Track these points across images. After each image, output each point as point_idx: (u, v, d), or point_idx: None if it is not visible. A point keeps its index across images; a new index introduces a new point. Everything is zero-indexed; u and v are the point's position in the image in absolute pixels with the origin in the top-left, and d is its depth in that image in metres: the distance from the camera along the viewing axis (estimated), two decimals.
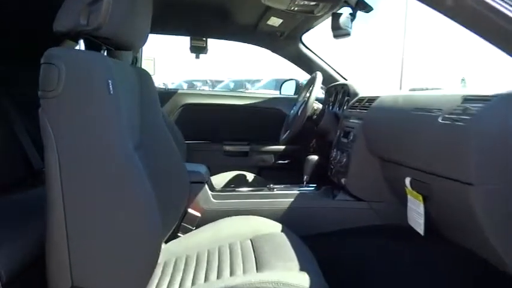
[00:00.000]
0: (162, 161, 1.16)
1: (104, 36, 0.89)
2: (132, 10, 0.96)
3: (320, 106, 1.82)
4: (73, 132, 0.79)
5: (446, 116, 0.93)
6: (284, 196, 1.48)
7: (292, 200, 1.47)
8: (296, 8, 1.54)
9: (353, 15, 1.49)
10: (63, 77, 0.78)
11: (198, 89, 11.86)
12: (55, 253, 0.81)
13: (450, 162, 0.90)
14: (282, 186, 1.57)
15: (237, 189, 1.53)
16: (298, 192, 1.50)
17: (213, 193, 1.47)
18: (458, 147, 0.86)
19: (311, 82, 1.91)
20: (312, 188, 1.56)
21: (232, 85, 11.56)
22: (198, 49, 2.25)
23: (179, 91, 2.34)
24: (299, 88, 2.51)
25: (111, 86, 0.83)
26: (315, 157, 1.63)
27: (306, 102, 1.74)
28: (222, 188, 1.87)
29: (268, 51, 2.31)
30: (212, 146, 2.31)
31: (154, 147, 1.14)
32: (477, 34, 0.82)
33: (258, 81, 11.17)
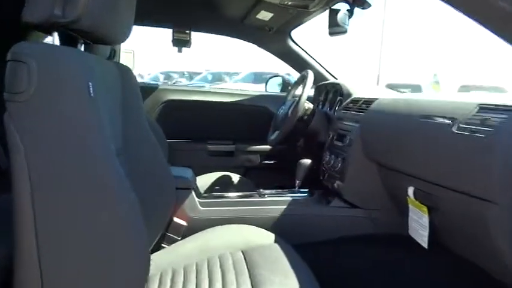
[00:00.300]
0: (145, 165, 1.06)
1: (82, 29, 0.78)
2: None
3: (311, 106, 1.75)
4: (46, 142, 0.68)
5: (462, 125, 0.87)
6: (276, 203, 1.40)
7: (284, 207, 1.39)
8: (290, 3, 1.45)
9: (351, 12, 1.42)
10: (34, 77, 0.66)
11: (174, 81, 11.64)
12: (24, 269, 0.70)
13: (467, 176, 0.83)
14: (273, 191, 1.49)
15: (225, 196, 1.44)
16: (290, 198, 1.42)
17: (200, 200, 1.37)
18: (479, 161, 0.79)
19: (301, 80, 1.83)
20: (305, 194, 1.48)
21: (210, 77, 11.43)
22: (181, 42, 2.12)
23: (160, 87, 2.21)
24: (285, 85, 2.43)
25: (91, 88, 0.72)
26: (307, 161, 1.55)
27: (297, 102, 1.65)
28: (207, 190, 1.78)
29: (250, 46, 2.21)
30: (195, 145, 2.20)
31: (137, 151, 1.04)
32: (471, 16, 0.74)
33: (237, 74, 11.09)
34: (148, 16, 1.96)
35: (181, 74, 13.07)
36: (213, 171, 1.97)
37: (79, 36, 0.84)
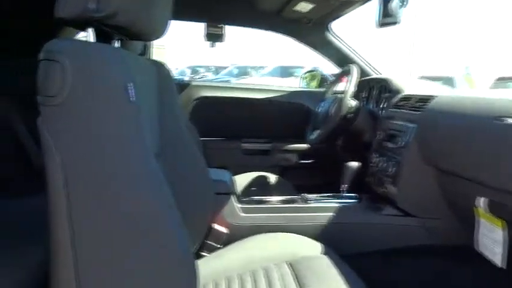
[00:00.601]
0: (184, 168, 1.00)
1: (119, 24, 0.71)
2: None
3: (355, 103, 1.63)
4: (82, 146, 0.61)
5: None
6: (322, 210, 1.30)
7: (331, 214, 1.28)
8: None
9: (403, 1, 1.29)
10: (68, 77, 0.59)
11: (201, 75, 11.65)
12: (60, 270, 0.65)
13: None
14: (317, 196, 1.39)
15: (267, 201, 1.35)
16: (337, 205, 1.31)
17: (241, 206, 1.28)
18: None
19: (344, 75, 1.71)
20: (353, 200, 1.37)
21: (236, 71, 11.36)
22: (214, 37, 2.04)
23: (193, 83, 2.14)
24: (323, 81, 2.31)
25: (130, 90, 0.64)
26: (355, 164, 1.44)
27: (341, 99, 1.54)
28: (244, 192, 1.69)
29: (274, 39, 2.11)
30: (230, 144, 2.11)
31: (175, 153, 0.97)
32: None
33: (262, 68, 10.98)
34: (183, 11, 1.88)
35: (207, 69, 13.08)
36: (248, 171, 1.89)
37: (114, 32, 0.78)
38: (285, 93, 2.19)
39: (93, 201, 0.62)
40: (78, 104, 0.60)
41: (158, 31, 0.87)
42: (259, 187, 1.77)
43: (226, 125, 2.13)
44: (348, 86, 1.53)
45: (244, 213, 1.28)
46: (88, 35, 0.71)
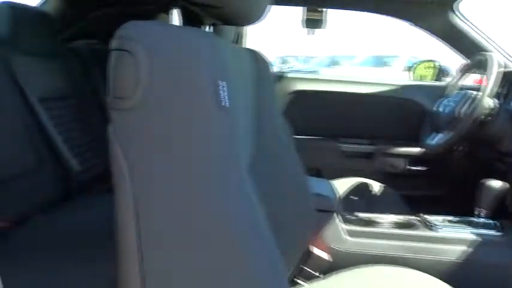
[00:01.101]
0: (280, 179, 0.84)
1: (211, 3, 0.57)
2: None
3: (493, 103, 1.29)
4: (159, 162, 0.47)
5: None
6: (452, 241, 1.02)
7: (464, 248, 1.00)
8: None
9: None
10: (143, 74, 0.45)
11: (290, 65, 11.47)
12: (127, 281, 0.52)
13: None
14: (442, 220, 1.10)
15: (378, 222, 1.10)
16: (473, 237, 1.02)
17: (346, 227, 1.06)
18: None
19: (475, 67, 1.38)
20: (494, 232, 1.06)
21: (327, 61, 11.01)
22: (313, 23, 1.82)
23: (288, 75, 1.95)
24: (441, 73, 1.95)
25: (224, 92, 0.48)
26: (497, 183, 1.12)
27: (477, 98, 1.22)
28: (345, 204, 1.46)
29: (361, 26, 1.80)
30: (326, 143, 1.90)
31: (271, 162, 0.80)
32: None
33: (353, 57, 10.50)
34: None
35: (296, 58, 12.88)
36: (345, 176, 1.66)
37: (205, 15, 0.64)
38: (392, 87, 1.90)
39: (168, 222, 0.48)
40: (154, 108, 0.45)
41: (256, 14, 0.69)
42: (361, 197, 1.52)
43: (322, 122, 1.92)
44: (488, 80, 1.21)
45: (350, 236, 1.05)
46: (172, 18, 0.57)
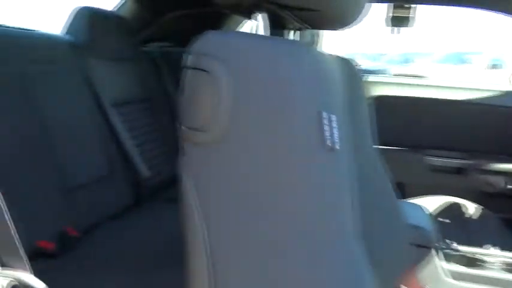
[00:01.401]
0: (373, 208, 0.70)
1: (311, 7, 0.47)
2: None
3: None
4: (242, 211, 0.39)
5: None
6: None
7: None
8: None
9: None
10: (226, 100, 0.36)
11: (359, 63, 11.08)
12: None
13: None
14: None
15: (485, 262, 0.93)
16: None
17: (447, 267, 0.90)
18: None
19: None
20: None
21: (398, 58, 10.51)
22: (400, 21, 1.65)
23: (369, 79, 1.80)
24: None
25: (331, 128, 0.39)
26: None
27: None
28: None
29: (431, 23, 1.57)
30: (410, 155, 1.75)
31: (363, 187, 0.67)
32: None
33: (429, 54, 9.92)
34: None
35: (364, 56, 12.44)
36: (432, 194, 1.51)
37: (292, 20, 0.54)
38: (491, 93, 1.70)
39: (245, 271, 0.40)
40: (238, 144, 0.37)
41: (353, 16, 0.58)
42: (453, 221, 1.34)
43: (406, 132, 1.77)
44: None
45: (453, 278, 0.89)
46: (255, 25, 0.48)
